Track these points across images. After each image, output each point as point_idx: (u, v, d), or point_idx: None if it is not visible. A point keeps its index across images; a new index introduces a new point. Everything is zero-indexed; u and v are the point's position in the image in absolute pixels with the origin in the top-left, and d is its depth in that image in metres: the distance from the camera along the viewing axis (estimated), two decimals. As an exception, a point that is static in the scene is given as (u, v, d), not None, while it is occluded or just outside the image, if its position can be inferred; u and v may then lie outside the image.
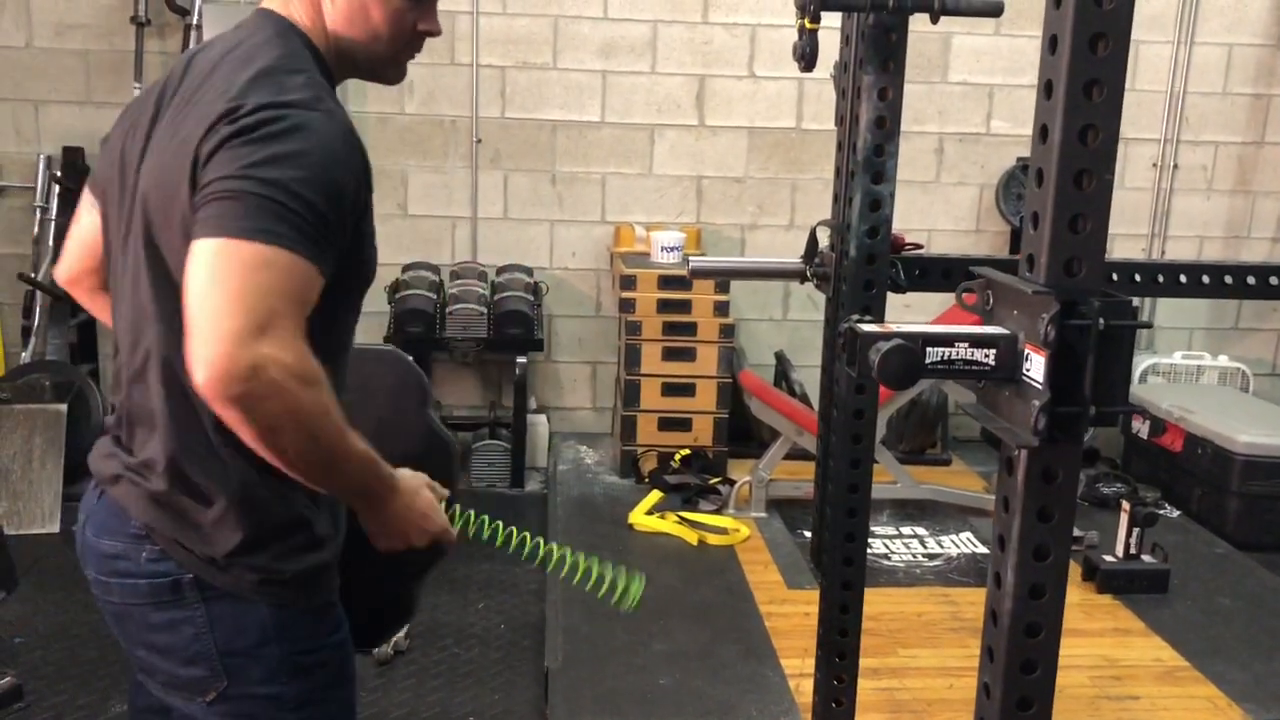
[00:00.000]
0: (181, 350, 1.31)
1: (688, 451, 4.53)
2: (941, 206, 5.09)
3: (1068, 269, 1.19)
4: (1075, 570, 3.74)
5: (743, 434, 4.71)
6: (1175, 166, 5.11)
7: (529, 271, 4.85)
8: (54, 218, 4.65)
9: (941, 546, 4.07)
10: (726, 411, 4.56)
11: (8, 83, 4.66)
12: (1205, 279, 2.38)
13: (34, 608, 3.50)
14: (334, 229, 1.35)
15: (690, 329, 4.50)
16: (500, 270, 4.85)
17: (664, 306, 4.49)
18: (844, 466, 2.36)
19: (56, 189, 4.65)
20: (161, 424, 1.44)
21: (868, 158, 2.25)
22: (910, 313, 4.62)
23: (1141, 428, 4.74)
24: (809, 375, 4.58)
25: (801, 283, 2.61)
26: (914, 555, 3.98)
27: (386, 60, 1.56)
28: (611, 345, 5.00)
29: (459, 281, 4.63)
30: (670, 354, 4.51)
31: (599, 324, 5.09)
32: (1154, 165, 5.11)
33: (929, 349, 1.23)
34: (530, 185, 4.94)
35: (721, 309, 4.52)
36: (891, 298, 2.34)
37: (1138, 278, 2.36)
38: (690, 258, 3.83)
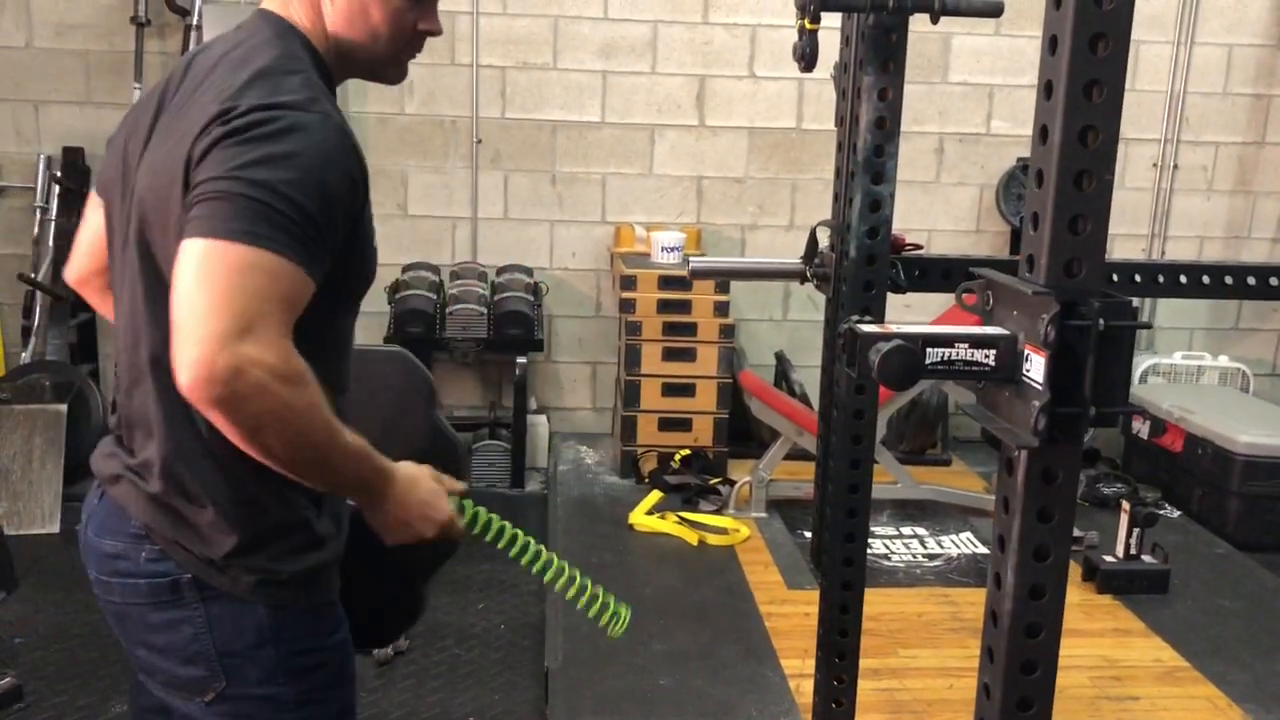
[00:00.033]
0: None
1: (688, 452, 4.53)
2: (942, 207, 5.09)
3: (1068, 270, 1.19)
4: (1075, 570, 3.74)
5: (743, 434, 4.71)
6: (1175, 167, 5.11)
7: (529, 272, 4.85)
8: (54, 218, 4.66)
9: (942, 547, 4.07)
10: (727, 412, 4.56)
11: (8, 83, 4.66)
12: (1205, 279, 2.38)
13: (34, 608, 3.50)
14: (325, 231, 1.35)
15: (690, 329, 4.50)
16: (500, 270, 4.85)
17: (664, 307, 4.49)
18: (844, 467, 2.36)
19: (56, 189, 4.65)
20: (157, 426, 1.44)
21: (868, 158, 2.25)
22: (910, 313, 4.62)
23: (1142, 428, 4.74)
24: (809, 375, 4.58)
25: (801, 283, 2.61)
26: (914, 555, 3.98)
27: (387, 60, 1.56)
28: (611, 345, 5.00)
29: (459, 282, 4.63)
30: (670, 354, 4.51)
31: (599, 324, 5.09)
32: (1154, 165, 5.11)
33: (929, 349, 1.23)
34: (530, 185, 4.94)
35: (722, 309, 4.52)
36: (891, 298, 2.34)
37: (1138, 278, 2.36)
38: (690, 258, 3.83)
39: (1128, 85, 1.20)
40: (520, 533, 1.66)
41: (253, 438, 1.30)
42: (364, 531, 1.56)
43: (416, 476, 1.54)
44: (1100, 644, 3.35)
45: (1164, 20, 4.94)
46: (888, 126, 2.24)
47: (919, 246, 2.48)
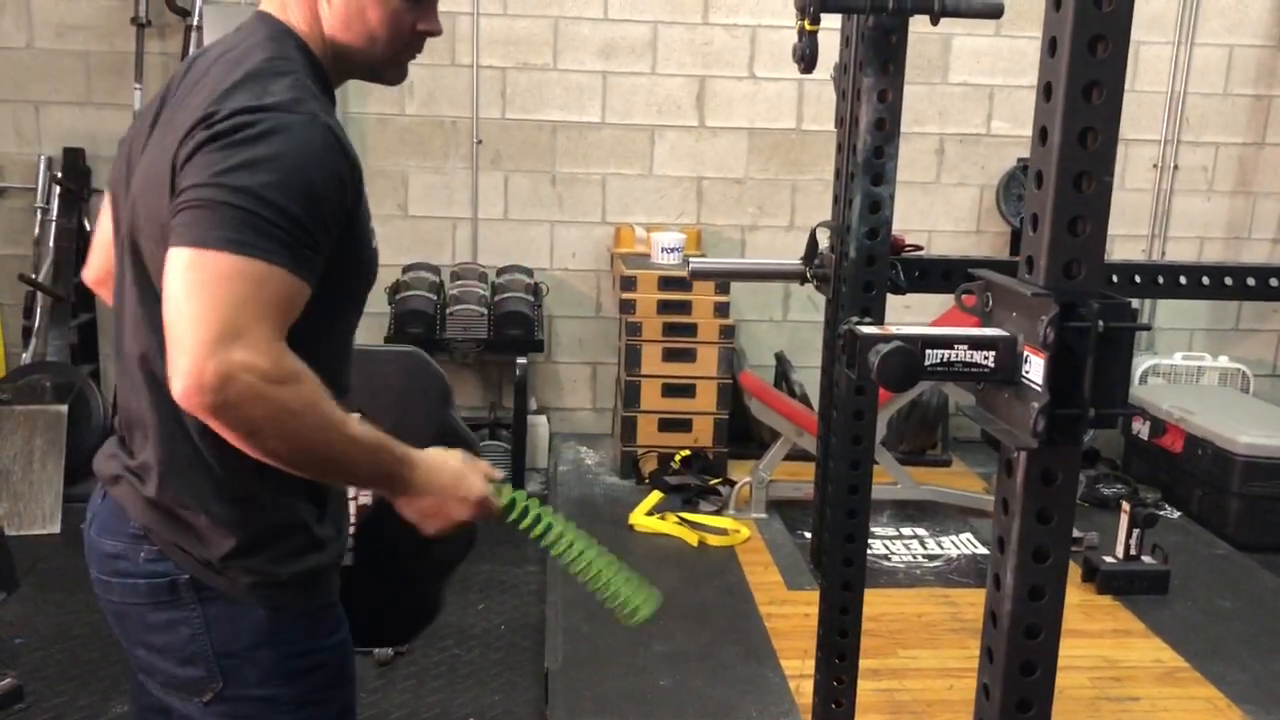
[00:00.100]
0: (163, 358, 1.32)
1: (688, 452, 4.54)
2: (942, 207, 5.10)
3: (1067, 271, 1.19)
4: (1075, 571, 3.74)
5: (743, 435, 4.71)
6: (1175, 167, 5.11)
7: (529, 272, 4.85)
8: (54, 219, 4.66)
9: (942, 547, 4.07)
10: (727, 412, 4.56)
11: (8, 83, 4.67)
12: (1205, 280, 2.38)
13: (34, 609, 3.50)
14: (313, 232, 1.34)
15: (690, 330, 4.50)
16: (500, 271, 4.85)
17: (664, 307, 4.49)
18: (844, 467, 2.36)
19: (57, 190, 4.65)
20: (152, 430, 1.44)
21: (867, 160, 2.25)
22: (910, 314, 4.62)
23: (1142, 429, 4.74)
24: (809, 376, 4.58)
25: (801, 284, 2.61)
26: (914, 556, 3.99)
27: (385, 62, 1.55)
28: (612, 346, 5.00)
29: (459, 282, 4.63)
30: (670, 355, 4.51)
31: (599, 325, 5.09)
32: (1154, 166, 5.11)
33: (928, 351, 1.23)
34: (530, 186, 4.95)
35: (722, 310, 4.52)
36: (891, 299, 2.34)
37: (1138, 279, 2.36)
38: (690, 259, 3.85)
39: (1128, 86, 1.21)
40: (555, 519, 1.62)
41: (254, 442, 1.30)
42: (385, 529, 1.55)
43: (442, 459, 1.52)
44: (1100, 645, 3.35)
45: (1164, 21, 4.94)
46: (887, 128, 2.24)
47: (919, 247, 2.48)
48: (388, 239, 4.49)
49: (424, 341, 4.40)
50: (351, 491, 1.80)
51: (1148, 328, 5.08)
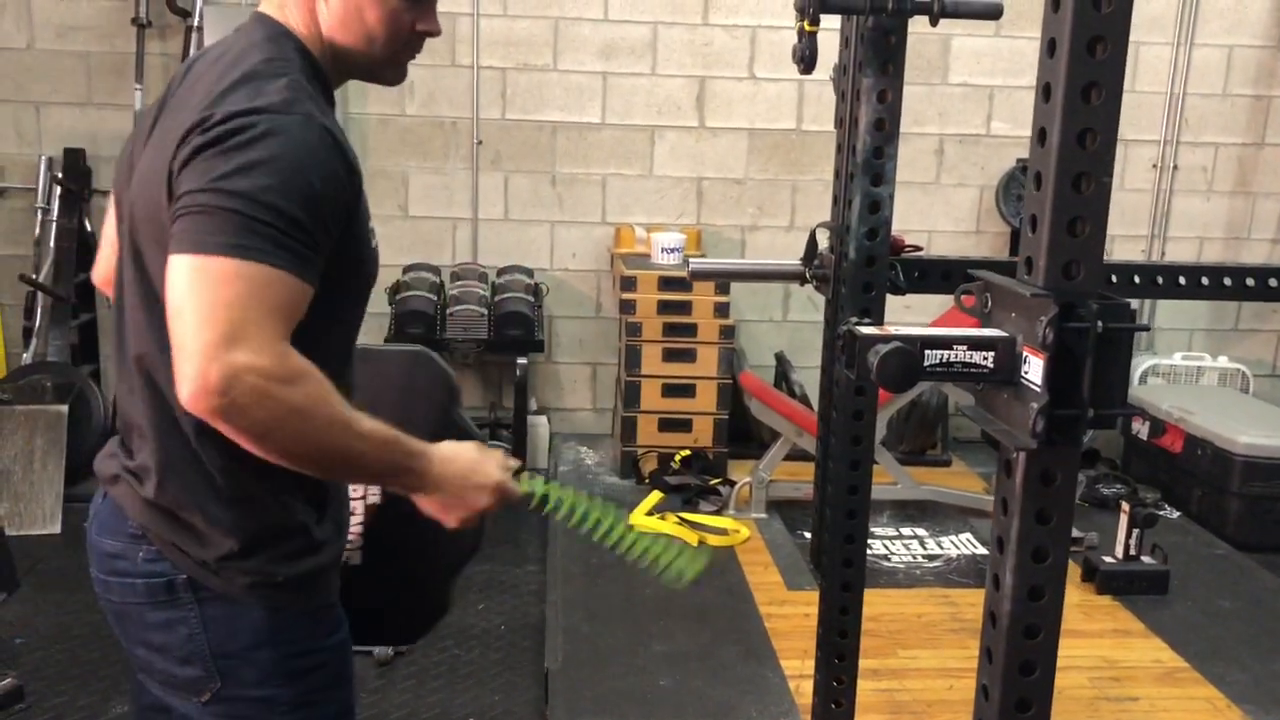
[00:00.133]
0: (161, 361, 1.32)
1: (688, 452, 4.54)
2: (941, 208, 5.10)
3: (1066, 272, 1.19)
4: (1075, 571, 3.74)
5: (743, 435, 4.71)
6: (1175, 168, 5.11)
7: (529, 273, 4.86)
8: (55, 219, 4.66)
9: (941, 547, 4.07)
10: (727, 413, 4.56)
11: (9, 84, 4.67)
12: (1204, 281, 2.39)
13: (35, 609, 3.50)
14: (313, 233, 1.34)
15: (690, 330, 4.50)
16: (501, 271, 4.85)
17: (664, 308, 4.49)
18: (844, 468, 2.37)
19: (58, 190, 4.65)
20: (149, 432, 1.45)
21: (867, 160, 2.25)
22: (910, 314, 4.62)
23: (1141, 429, 4.74)
24: (809, 376, 4.58)
25: (801, 285, 2.62)
26: (914, 556, 3.99)
27: (384, 62, 1.55)
28: (612, 346, 5.00)
29: (459, 283, 4.64)
30: (670, 355, 4.51)
31: (599, 325, 5.09)
32: (1154, 166, 5.12)
33: (927, 351, 1.23)
34: (531, 186, 4.95)
35: (722, 310, 4.52)
36: (891, 299, 2.34)
37: (1137, 279, 2.37)
38: (690, 259, 3.85)
39: (1127, 86, 1.21)
40: (578, 498, 1.61)
41: (264, 443, 1.30)
42: (394, 528, 1.55)
43: (455, 450, 1.51)
44: (1099, 645, 3.35)
45: (1164, 21, 4.95)
46: (887, 128, 2.24)
47: (918, 248, 2.48)
48: (388, 239, 4.49)
49: (424, 342, 4.40)
50: (361, 490, 1.80)
51: (1146, 328, 5.09)
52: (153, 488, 1.44)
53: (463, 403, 1.93)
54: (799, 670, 3.07)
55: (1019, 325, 1.22)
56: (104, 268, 1.68)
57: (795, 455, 4.26)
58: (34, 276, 4.57)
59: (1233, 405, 4.75)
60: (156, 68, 4.65)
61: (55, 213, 4.66)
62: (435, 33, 1.56)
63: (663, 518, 4.11)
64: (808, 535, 4.00)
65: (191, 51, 4.47)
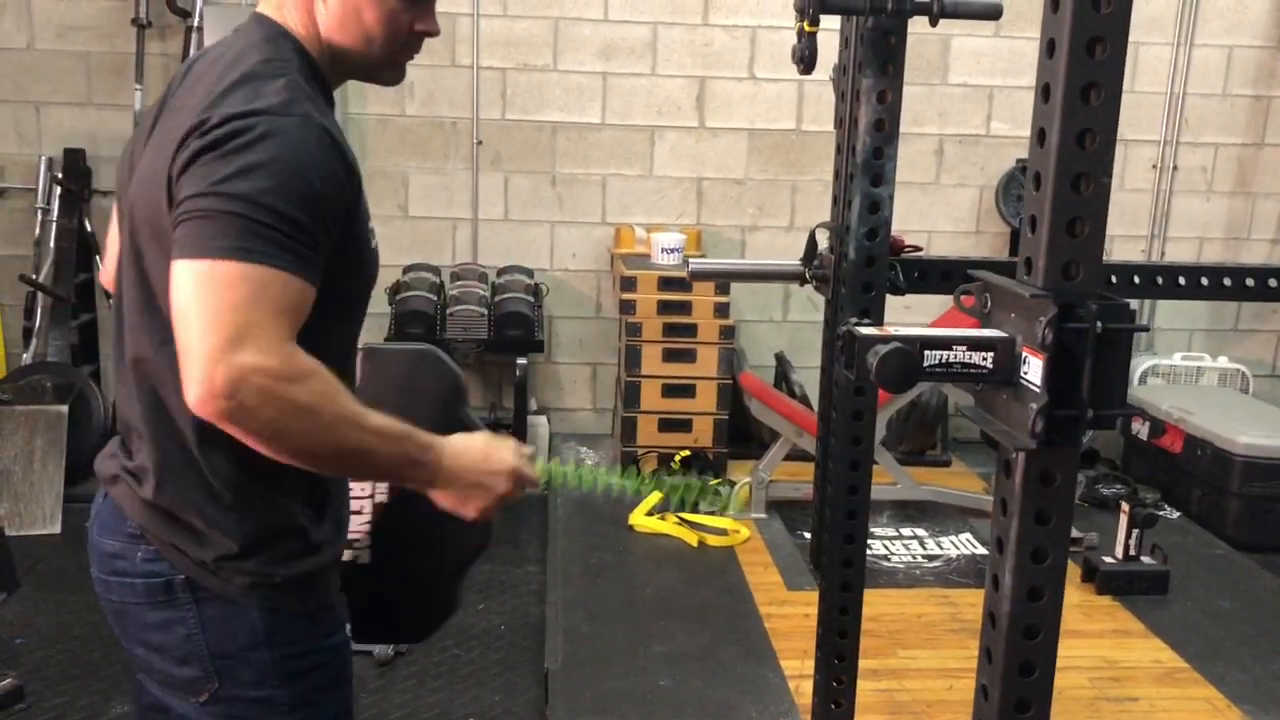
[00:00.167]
0: (157, 362, 1.32)
1: (688, 453, 4.54)
2: (941, 208, 5.10)
3: (1065, 272, 1.19)
4: (1075, 571, 3.74)
5: (743, 435, 4.71)
6: (1175, 168, 5.12)
7: (529, 273, 4.86)
8: (55, 219, 4.66)
9: (941, 548, 4.07)
10: (727, 413, 4.56)
11: (9, 84, 4.67)
12: (1204, 281, 2.39)
13: (35, 609, 3.50)
14: (314, 233, 1.34)
15: (690, 330, 4.51)
16: (501, 271, 4.85)
17: (664, 308, 4.49)
18: (843, 468, 2.37)
19: (58, 191, 4.65)
20: (147, 433, 1.45)
21: (867, 160, 2.26)
22: (910, 314, 4.62)
23: (1141, 429, 4.75)
24: (809, 376, 4.58)
25: (801, 285, 2.62)
26: (914, 556, 3.99)
27: (383, 63, 1.55)
28: (612, 346, 5.00)
29: (459, 283, 4.64)
30: (670, 355, 4.51)
31: (599, 325, 5.09)
32: (1154, 167, 5.12)
33: (927, 352, 1.23)
34: (531, 187, 4.95)
35: (722, 310, 4.52)
36: (891, 300, 2.34)
37: (1137, 280, 2.37)
38: (690, 259, 3.85)
39: (1127, 87, 1.21)
40: (597, 472, 1.63)
41: (275, 443, 1.30)
42: (402, 526, 1.55)
43: (466, 441, 1.50)
44: (1099, 645, 3.35)
45: (1163, 22, 4.95)
46: (887, 129, 2.24)
47: (918, 248, 2.48)
48: (388, 239, 4.49)
49: (424, 342, 4.40)
50: (368, 489, 1.80)
51: (1146, 329, 5.09)
52: (151, 488, 1.45)
53: (468, 400, 1.93)
54: (799, 670, 3.07)
55: (1018, 326, 1.22)
56: (113, 269, 1.68)
57: (795, 455, 4.26)
58: (34, 277, 4.57)
59: (1232, 405, 4.75)
60: (156, 68, 4.65)
61: (55, 213, 4.66)
62: (434, 33, 1.56)
63: (663, 518, 4.11)
64: (808, 535, 4.00)
65: (191, 51, 4.47)
